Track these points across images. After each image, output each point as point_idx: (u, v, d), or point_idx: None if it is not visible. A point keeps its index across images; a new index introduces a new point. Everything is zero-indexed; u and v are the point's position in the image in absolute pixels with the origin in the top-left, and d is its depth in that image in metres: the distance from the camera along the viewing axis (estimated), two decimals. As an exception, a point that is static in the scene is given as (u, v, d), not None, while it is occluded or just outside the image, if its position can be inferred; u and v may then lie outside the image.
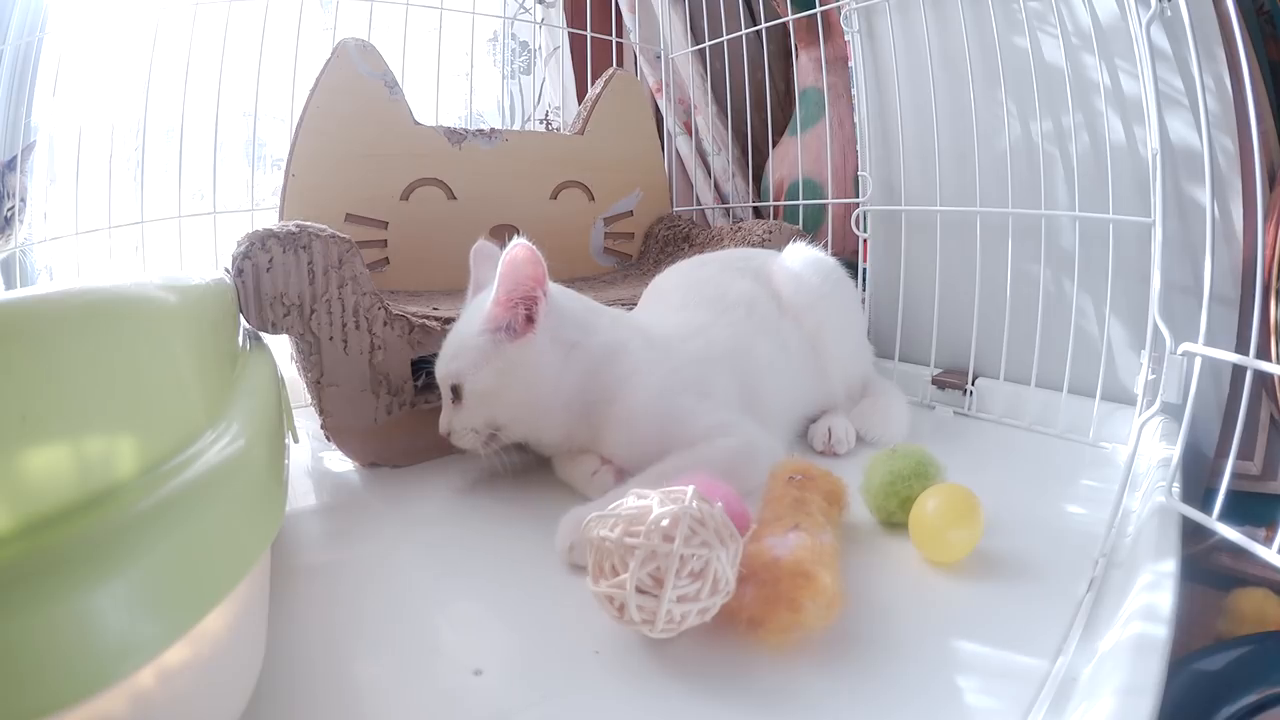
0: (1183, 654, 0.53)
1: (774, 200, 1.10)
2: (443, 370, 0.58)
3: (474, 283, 0.64)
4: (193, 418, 0.32)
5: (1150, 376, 0.56)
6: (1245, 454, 0.66)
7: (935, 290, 0.81)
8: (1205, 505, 0.45)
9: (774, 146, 1.15)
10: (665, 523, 0.36)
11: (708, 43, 1.13)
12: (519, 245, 0.54)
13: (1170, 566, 0.40)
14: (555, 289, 0.58)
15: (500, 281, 0.55)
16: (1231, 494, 0.44)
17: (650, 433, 0.56)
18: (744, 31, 1.06)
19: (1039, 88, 0.72)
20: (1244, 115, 0.62)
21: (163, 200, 0.80)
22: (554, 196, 0.96)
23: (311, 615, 0.43)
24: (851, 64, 0.92)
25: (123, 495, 0.25)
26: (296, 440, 0.54)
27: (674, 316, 0.66)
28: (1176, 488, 0.48)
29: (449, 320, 0.65)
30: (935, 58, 0.81)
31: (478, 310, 0.58)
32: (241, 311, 0.54)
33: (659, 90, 1.20)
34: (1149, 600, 0.38)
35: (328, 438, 0.63)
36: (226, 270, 0.55)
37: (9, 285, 0.89)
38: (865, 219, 0.89)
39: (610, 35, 1.16)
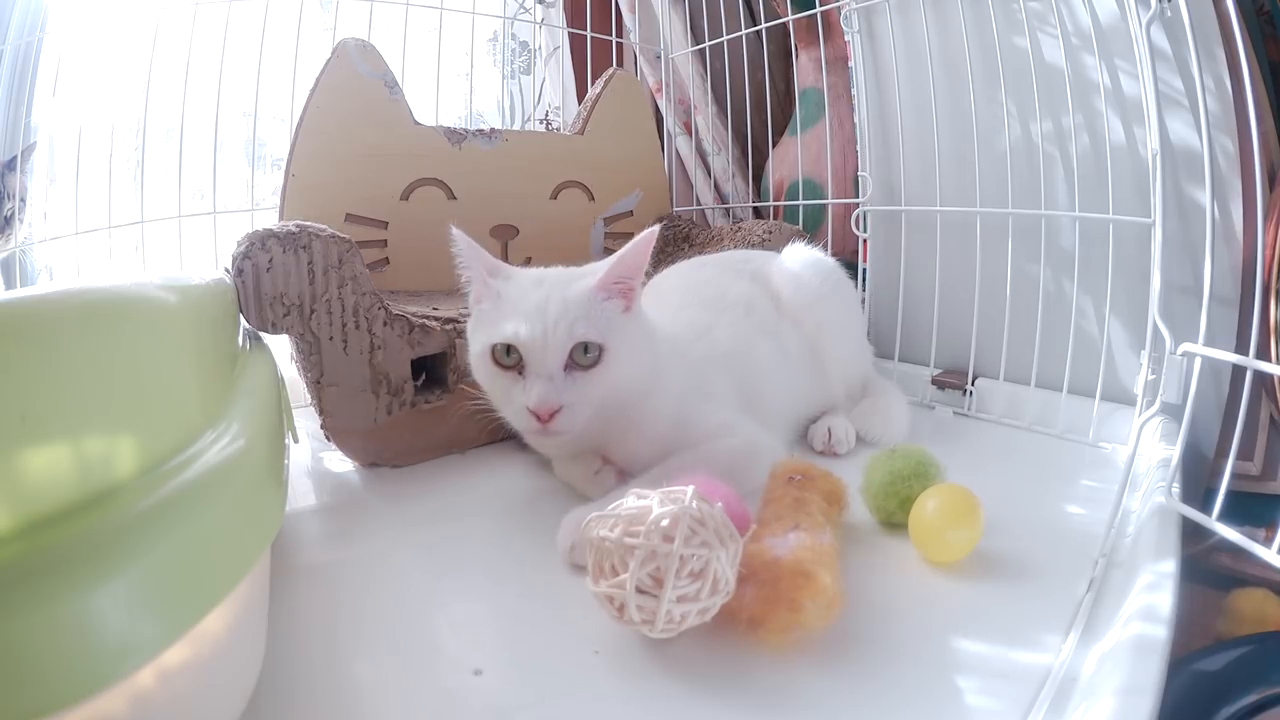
0: (1183, 654, 0.53)
1: (774, 200, 1.10)
2: (568, 330, 0.50)
3: (484, 267, 0.55)
4: (192, 418, 0.32)
5: (1150, 377, 0.56)
6: (1245, 454, 0.66)
7: (935, 290, 0.81)
8: (1205, 505, 0.45)
9: (774, 146, 1.15)
10: (665, 523, 0.36)
11: (708, 43, 1.13)
12: (653, 231, 0.52)
13: (1170, 567, 0.40)
14: None
15: (625, 257, 0.52)
16: (1231, 494, 0.44)
17: (663, 432, 0.56)
18: (744, 31, 1.06)
19: (1039, 88, 0.72)
20: (1244, 115, 0.62)
21: (163, 200, 0.80)
22: (554, 196, 0.96)
23: (311, 615, 0.43)
24: (851, 64, 0.92)
25: (123, 495, 0.25)
26: (296, 440, 0.54)
27: (677, 317, 0.66)
28: (1176, 488, 0.48)
29: (449, 320, 0.66)
30: (935, 58, 0.81)
31: (570, 281, 0.53)
32: (241, 311, 0.54)
33: (659, 90, 1.19)
34: (1149, 600, 0.38)
35: (328, 438, 0.63)
36: (226, 270, 0.55)
37: (9, 285, 0.89)
38: (865, 219, 0.89)
39: (610, 35, 1.16)
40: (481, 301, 0.55)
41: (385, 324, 0.61)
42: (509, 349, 0.51)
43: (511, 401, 0.52)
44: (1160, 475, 0.51)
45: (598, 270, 0.54)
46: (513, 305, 0.52)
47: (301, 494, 0.61)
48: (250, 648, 0.34)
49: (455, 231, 0.54)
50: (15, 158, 0.88)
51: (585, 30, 1.15)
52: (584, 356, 0.51)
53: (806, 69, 1.05)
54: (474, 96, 1.14)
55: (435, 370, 0.67)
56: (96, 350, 0.26)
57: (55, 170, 0.92)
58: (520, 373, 0.51)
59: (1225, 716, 0.48)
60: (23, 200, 0.89)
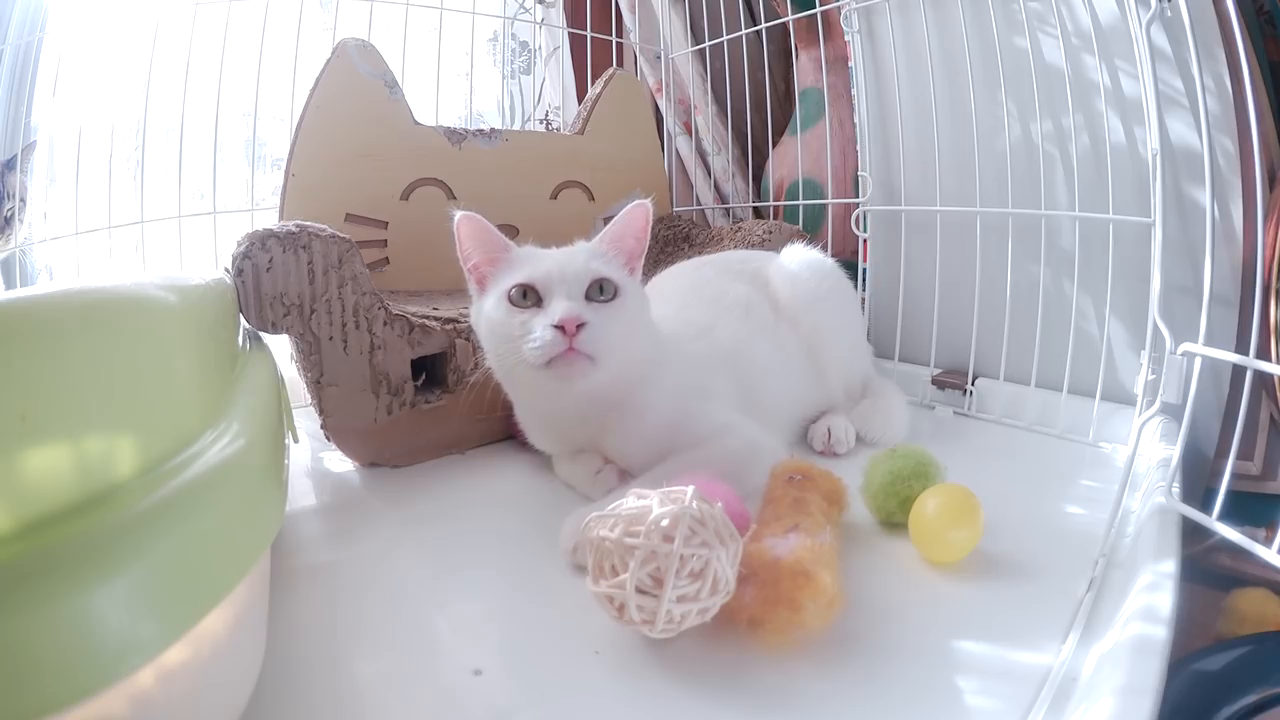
0: (1183, 654, 0.53)
1: (774, 200, 1.10)
2: (585, 265, 0.53)
3: (501, 240, 0.56)
4: (192, 418, 0.32)
5: (1150, 377, 0.56)
6: (1245, 454, 0.66)
7: (935, 290, 0.81)
8: (1205, 505, 0.45)
9: (774, 146, 1.15)
10: (665, 523, 0.36)
11: (708, 43, 1.13)
12: (645, 204, 0.55)
13: (1170, 567, 0.40)
14: None
15: (619, 227, 0.55)
16: (1231, 494, 0.44)
17: (662, 428, 0.56)
18: (744, 31, 1.06)
19: (1039, 88, 0.72)
20: (1244, 115, 0.62)
21: (163, 200, 0.80)
22: (554, 196, 0.96)
23: (311, 615, 0.43)
24: (851, 64, 0.92)
25: (123, 495, 0.25)
26: (296, 440, 0.54)
27: (677, 316, 0.66)
28: (1176, 488, 0.48)
29: (449, 320, 0.66)
30: (935, 58, 0.81)
31: (582, 249, 0.56)
32: (241, 311, 0.54)
33: (659, 90, 1.19)
34: (1149, 600, 0.37)
35: (328, 438, 0.63)
36: (226, 270, 0.55)
37: (9, 285, 0.89)
38: (865, 219, 0.89)
39: (610, 35, 1.16)
40: (496, 264, 0.56)
41: (385, 324, 0.61)
42: (525, 292, 0.52)
43: (530, 331, 0.50)
44: (1160, 475, 0.51)
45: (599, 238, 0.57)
46: (530, 256, 0.56)
47: (301, 494, 0.61)
48: (250, 648, 0.34)
49: (474, 214, 0.56)
50: (15, 158, 0.89)
51: (585, 30, 1.15)
52: (600, 294, 0.53)
53: (806, 69, 1.05)
54: (474, 96, 1.14)
55: (435, 370, 0.67)
56: (96, 350, 0.26)
57: (55, 170, 0.92)
58: (540, 306, 0.52)
59: (1225, 716, 0.48)
60: (23, 200, 0.89)
